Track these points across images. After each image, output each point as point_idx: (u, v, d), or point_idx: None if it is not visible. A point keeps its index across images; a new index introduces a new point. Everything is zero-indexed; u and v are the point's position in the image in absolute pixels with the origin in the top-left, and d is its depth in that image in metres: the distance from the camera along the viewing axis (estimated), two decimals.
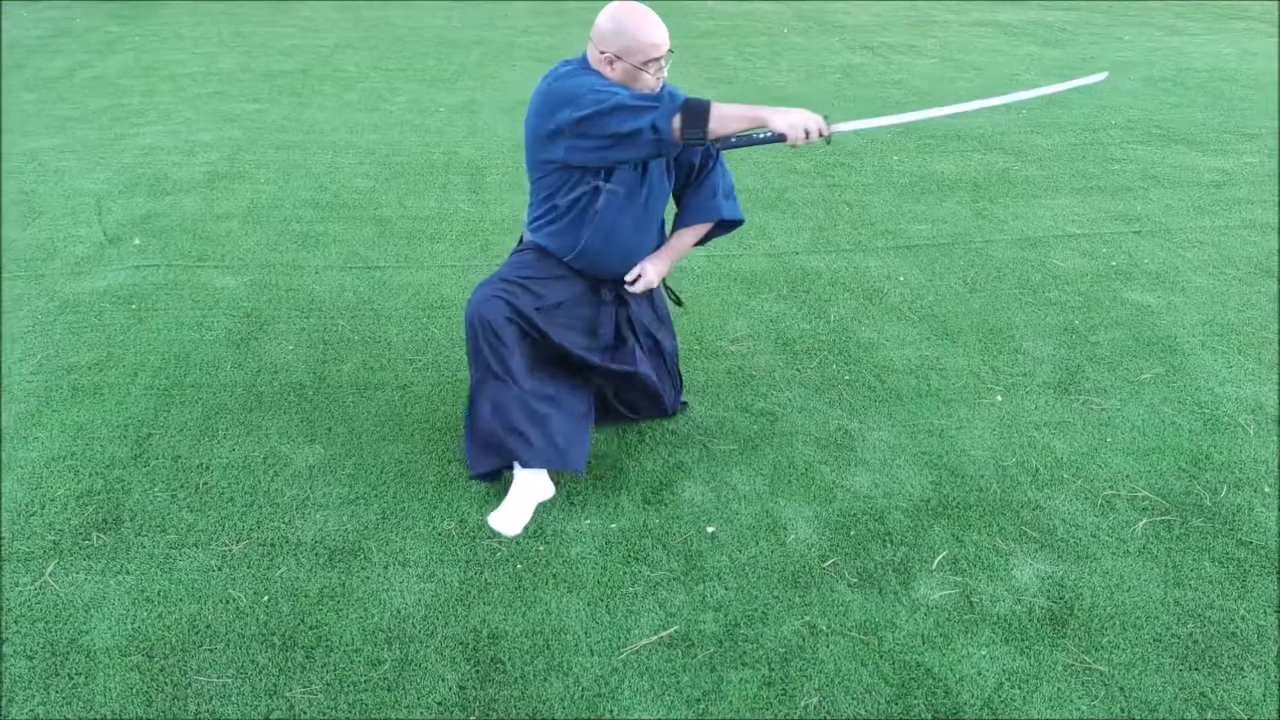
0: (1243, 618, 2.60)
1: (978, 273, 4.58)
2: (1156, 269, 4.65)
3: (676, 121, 2.63)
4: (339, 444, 3.27)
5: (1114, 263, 4.71)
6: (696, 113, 2.65)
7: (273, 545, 2.81)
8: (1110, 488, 3.11)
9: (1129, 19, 11.22)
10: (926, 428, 3.40)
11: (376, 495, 3.03)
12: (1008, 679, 2.42)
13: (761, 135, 2.81)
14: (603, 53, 2.79)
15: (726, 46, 9.54)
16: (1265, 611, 2.62)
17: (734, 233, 3.30)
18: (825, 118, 2.70)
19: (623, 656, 2.47)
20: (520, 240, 3.08)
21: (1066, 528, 2.93)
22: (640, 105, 2.66)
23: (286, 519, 2.92)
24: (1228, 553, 2.83)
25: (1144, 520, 2.97)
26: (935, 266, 4.64)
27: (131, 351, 3.78)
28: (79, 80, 7.83)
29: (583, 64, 2.86)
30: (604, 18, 2.80)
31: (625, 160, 2.78)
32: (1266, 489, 3.10)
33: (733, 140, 2.81)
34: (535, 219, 2.98)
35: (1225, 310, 4.25)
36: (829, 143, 2.80)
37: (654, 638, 2.53)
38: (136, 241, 4.75)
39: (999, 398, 3.59)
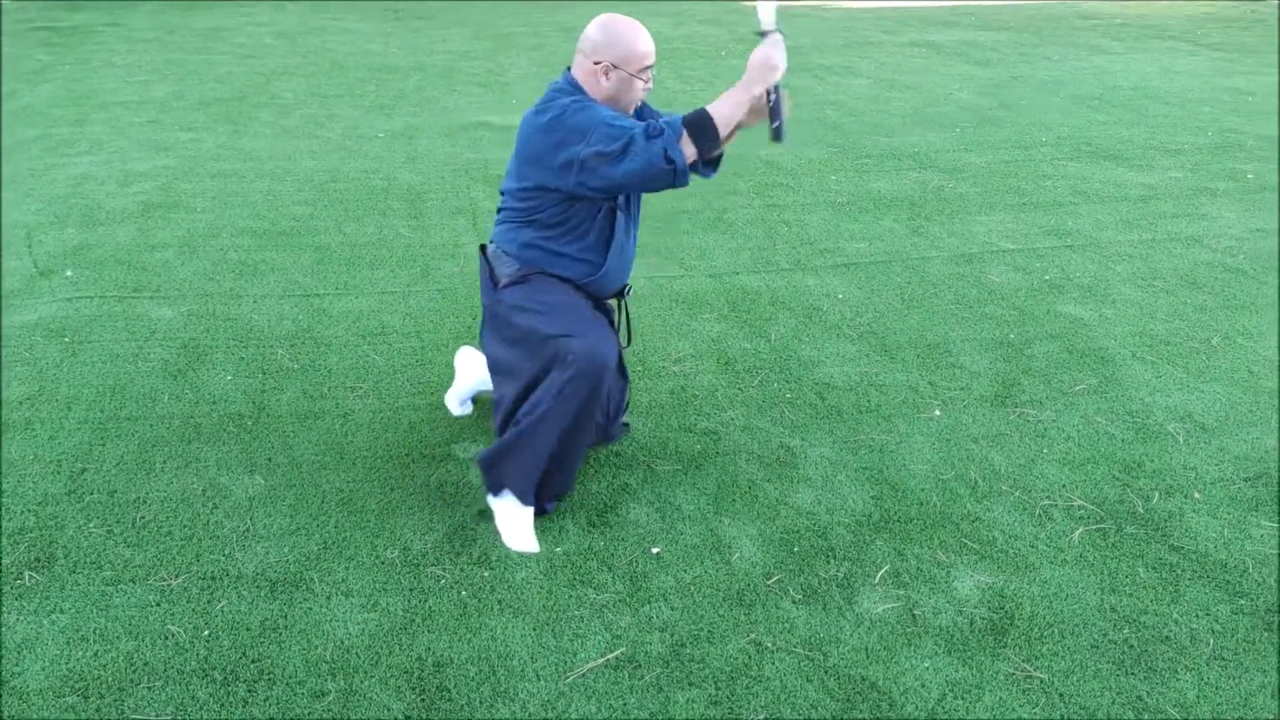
0: (1175, 621, 2.66)
1: (915, 289, 4.66)
2: (1088, 282, 4.75)
3: (688, 147, 2.70)
4: (279, 474, 3.24)
5: (1047, 277, 4.81)
6: (702, 127, 2.72)
7: (213, 578, 2.77)
8: (1047, 498, 3.17)
9: (1056, 39, 11.49)
10: (867, 443, 3.45)
11: (318, 525, 3.00)
12: (951, 690, 2.45)
13: (771, 101, 2.81)
14: (597, 63, 2.84)
15: (666, 69, 9.62)
16: (1197, 615, 2.68)
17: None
18: (762, 34, 2.80)
19: (569, 680, 2.47)
20: (492, 266, 2.99)
21: (1005, 538, 2.98)
22: (651, 140, 2.70)
23: (227, 551, 2.88)
24: (1160, 558, 2.90)
25: (1080, 529, 3.03)
26: (873, 284, 4.70)
27: (65, 385, 3.71)
28: (8, 110, 7.70)
29: (571, 84, 2.89)
30: (595, 30, 2.85)
31: (639, 190, 2.85)
32: (1196, 495, 3.18)
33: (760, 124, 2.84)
34: (537, 246, 2.93)
35: (1154, 321, 4.35)
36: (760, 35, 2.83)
37: (600, 660, 2.52)
38: (69, 273, 4.67)
39: (937, 412, 3.64)
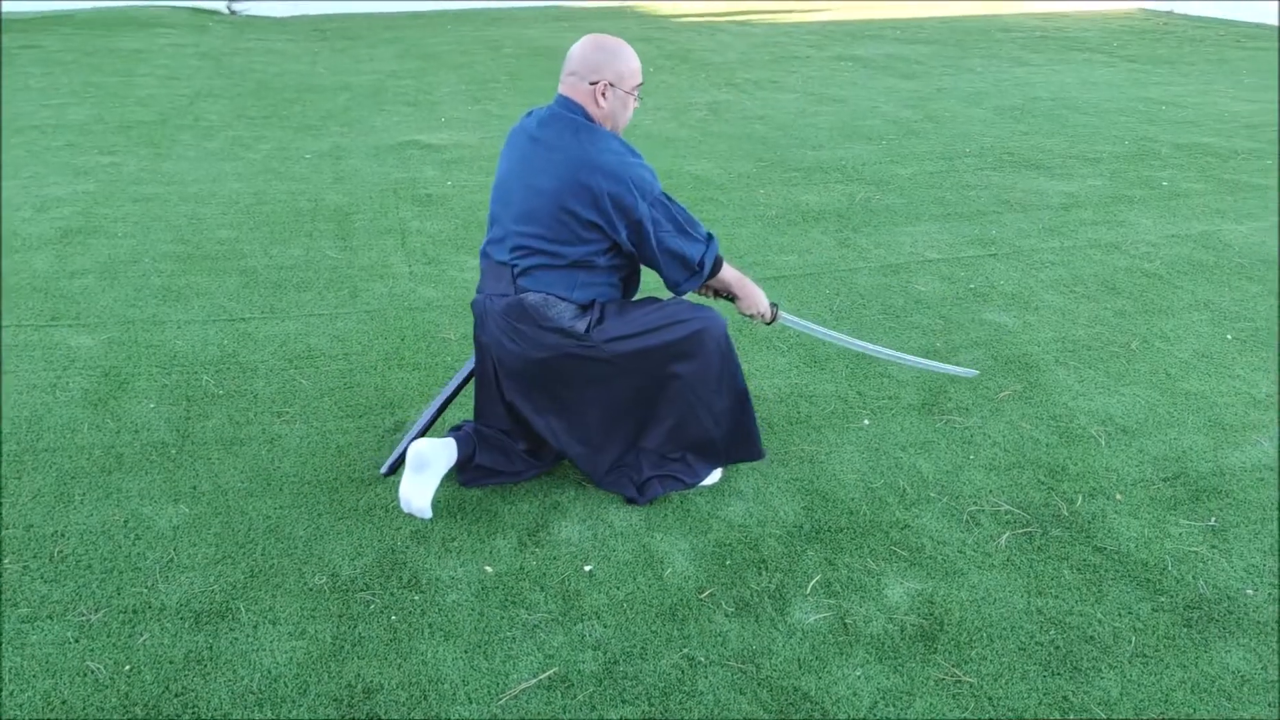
0: (1099, 621, 2.71)
1: (843, 300, 4.71)
2: (1012, 290, 4.84)
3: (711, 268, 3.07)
4: (204, 502, 3.18)
5: (972, 285, 4.89)
6: (717, 267, 3.10)
7: (134, 612, 2.71)
8: (974, 503, 3.22)
9: (979, 51, 11.73)
10: (798, 454, 3.47)
11: (244, 553, 2.95)
12: (882, 697, 2.47)
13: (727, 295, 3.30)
14: (594, 84, 2.89)
15: None
16: (1119, 614, 2.73)
17: None
18: (775, 305, 3.29)
19: (501, 702, 2.44)
20: (540, 315, 2.98)
21: (934, 545, 3.02)
22: (698, 229, 3.03)
23: (149, 583, 2.82)
24: (1084, 560, 2.95)
25: (1007, 533, 3.07)
26: (802, 296, 4.75)
27: None
28: None
29: (566, 105, 2.93)
30: (590, 50, 2.91)
31: (668, 269, 3.03)
32: (1118, 496, 3.24)
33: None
34: (595, 285, 3.00)
35: (1075, 327, 4.44)
36: (769, 324, 3.37)
37: (533, 681, 2.51)
38: None
39: (866, 421, 3.68)
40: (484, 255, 3.08)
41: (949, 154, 7.24)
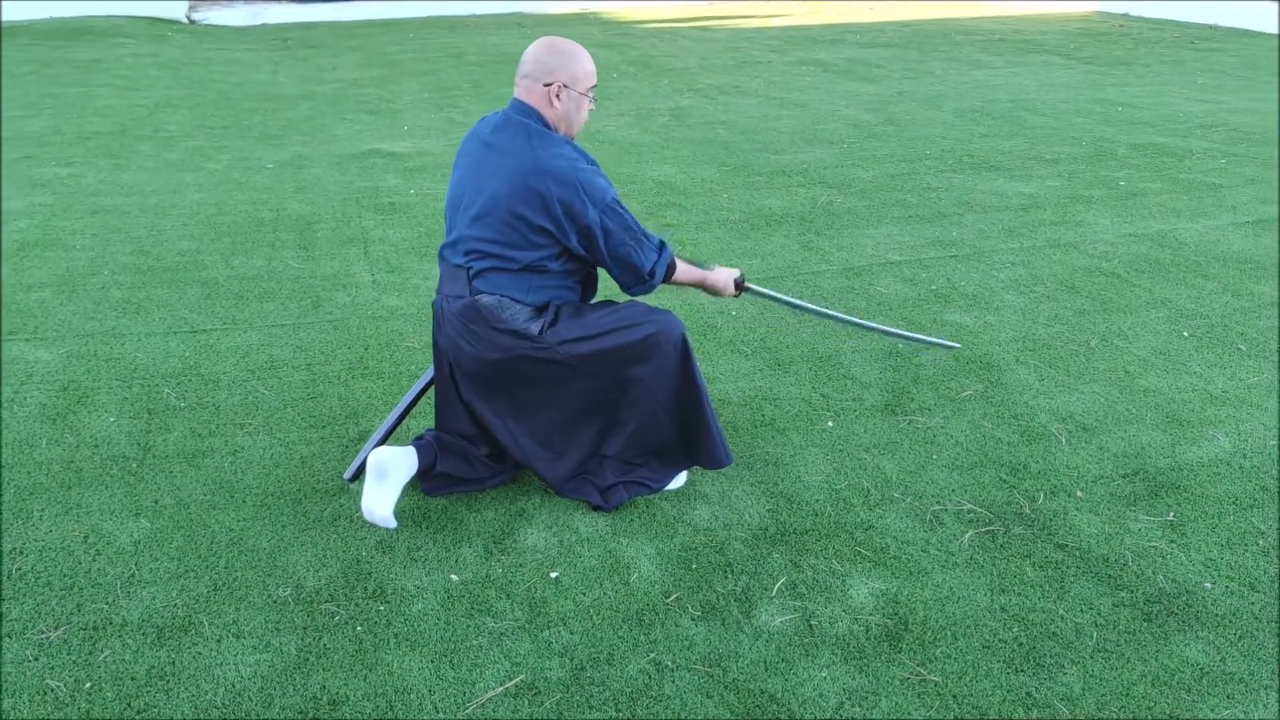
0: (1061, 617, 2.74)
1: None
2: (973, 291, 4.89)
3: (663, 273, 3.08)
4: (166, 516, 3.15)
5: (934, 287, 4.94)
6: (670, 270, 3.12)
7: (95, 628, 2.68)
8: (937, 503, 3.24)
9: (939, 55, 11.83)
10: (762, 457, 3.49)
11: (208, 567, 2.92)
12: (848, 698, 2.49)
13: (755, 291, 3.44)
14: (548, 85, 2.92)
15: None
16: (1081, 610, 2.76)
17: None
18: (740, 278, 3.33)
19: (468, 711, 2.44)
20: (493, 317, 2.97)
21: (898, 545, 3.04)
22: (650, 239, 3.02)
23: (110, 599, 2.79)
24: (1046, 557, 2.98)
25: (970, 532, 3.10)
26: (765, 300, 4.76)
27: None
28: None
29: (521, 110, 2.95)
30: (544, 53, 2.95)
31: (620, 272, 3.04)
32: (1079, 493, 3.28)
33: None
34: (550, 289, 3.00)
35: (1036, 326, 4.49)
36: (739, 295, 3.41)
37: (499, 689, 2.50)
38: None
39: (830, 423, 3.70)
40: (441, 258, 3.08)
41: (910, 157, 7.30)
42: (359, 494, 3.23)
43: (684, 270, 3.18)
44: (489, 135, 2.98)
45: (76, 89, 9.66)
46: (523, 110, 2.95)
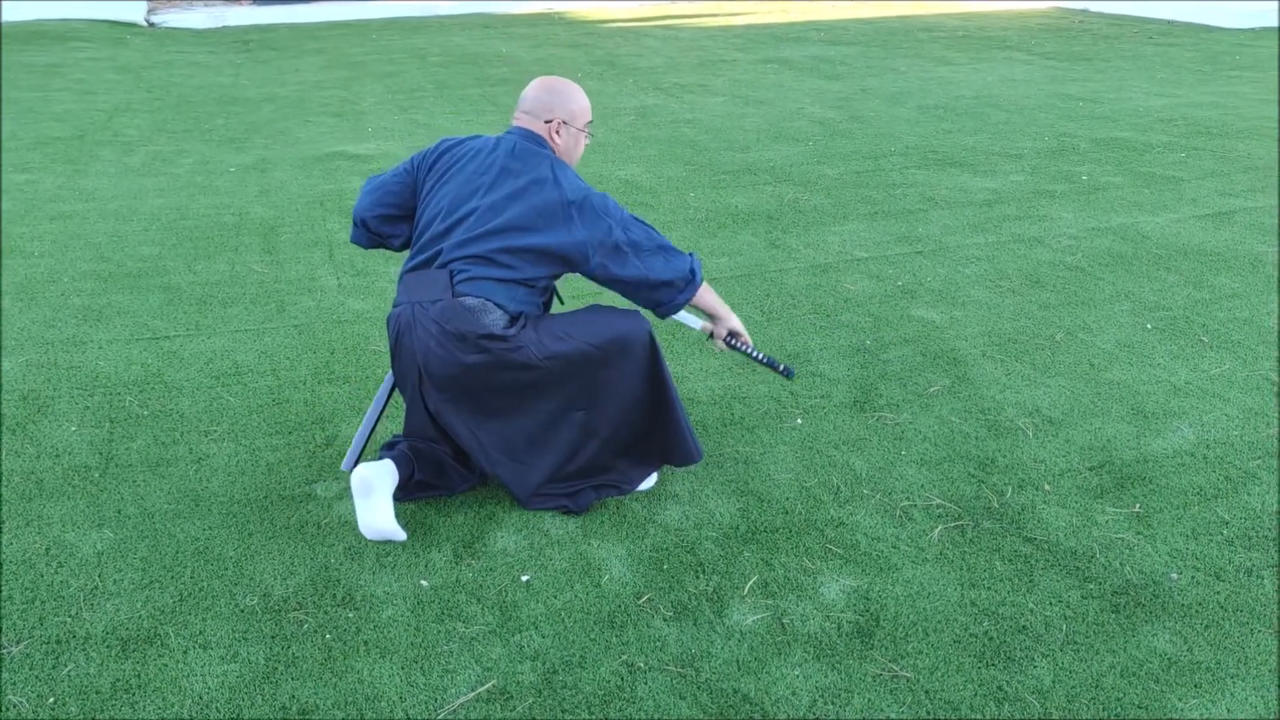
0: (1031, 611, 2.75)
1: (774, 301, 4.74)
2: (939, 286, 4.91)
3: (692, 296, 3.08)
4: (130, 526, 3.10)
5: (900, 283, 4.96)
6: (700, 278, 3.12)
7: (58, 642, 2.64)
8: (907, 499, 3.25)
9: (903, 52, 11.89)
10: (732, 456, 3.48)
11: (173, 577, 2.89)
12: (821, 696, 2.49)
13: (752, 355, 3.28)
14: (548, 122, 3.05)
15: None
16: (1050, 603, 2.78)
17: None
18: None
19: (440, 717, 2.42)
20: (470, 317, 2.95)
21: (869, 541, 3.05)
22: (678, 256, 3.05)
23: (73, 612, 2.74)
24: (1015, 550, 3.00)
25: (939, 527, 3.11)
26: (733, 298, 4.77)
27: None
28: None
29: (533, 139, 3.04)
30: (541, 92, 3.08)
31: (637, 293, 3.05)
32: (1046, 487, 3.30)
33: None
34: (530, 302, 3.02)
35: (1001, 320, 4.52)
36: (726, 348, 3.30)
37: (471, 695, 2.48)
38: None
39: (799, 421, 3.71)
40: (410, 269, 3.03)
41: (875, 153, 7.33)
42: (328, 500, 3.20)
43: (706, 300, 3.16)
44: (506, 160, 3.01)
45: (33, 93, 9.52)
46: (536, 140, 3.05)
